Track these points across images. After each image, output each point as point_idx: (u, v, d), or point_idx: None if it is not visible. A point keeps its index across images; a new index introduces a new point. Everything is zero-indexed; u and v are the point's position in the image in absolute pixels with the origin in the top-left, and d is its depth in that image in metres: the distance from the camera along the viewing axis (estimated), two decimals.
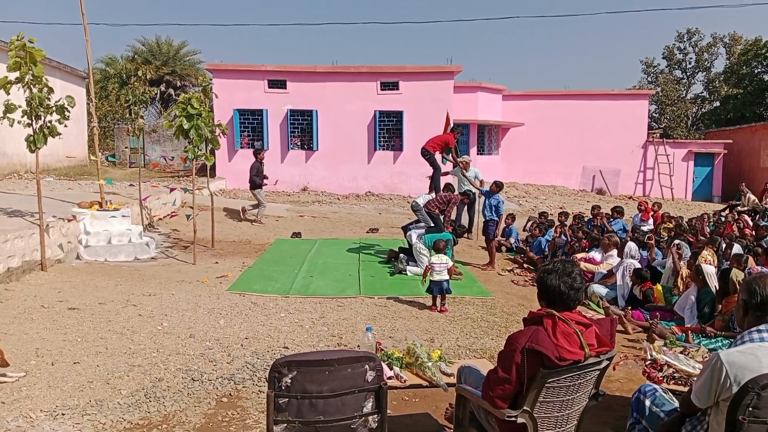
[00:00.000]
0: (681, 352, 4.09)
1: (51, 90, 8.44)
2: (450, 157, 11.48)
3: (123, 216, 10.05)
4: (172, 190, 12.75)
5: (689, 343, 5.01)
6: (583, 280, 3.03)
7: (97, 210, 9.87)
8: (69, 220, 9.26)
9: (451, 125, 12.87)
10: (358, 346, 4.53)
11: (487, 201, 10.41)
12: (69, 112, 8.73)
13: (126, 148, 23.39)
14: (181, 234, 11.86)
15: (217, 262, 9.66)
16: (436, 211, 9.54)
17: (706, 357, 4.03)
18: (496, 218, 10.36)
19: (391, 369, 3.72)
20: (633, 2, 65.71)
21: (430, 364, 3.77)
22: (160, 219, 12.69)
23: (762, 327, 2.50)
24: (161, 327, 6.10)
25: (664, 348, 4.17)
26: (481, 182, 14.00)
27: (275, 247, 11.15)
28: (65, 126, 8.72)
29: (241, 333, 6.00)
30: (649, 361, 4.01)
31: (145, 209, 11.57)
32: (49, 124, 8.48)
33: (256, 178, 13.87)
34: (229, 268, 9.08)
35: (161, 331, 5.99)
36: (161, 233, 11.85)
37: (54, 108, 8.48)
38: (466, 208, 14.16)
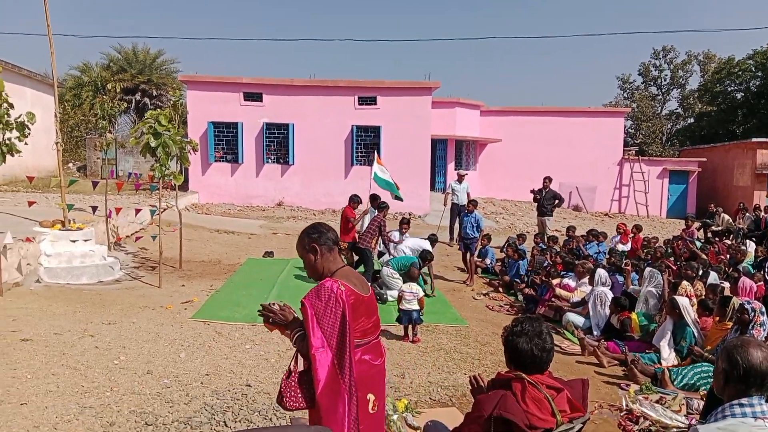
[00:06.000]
0: (657, 401, 3.92)
1: (11, 106, 8.11)
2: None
3: (85, 237, 9.66)
4: (138, 212, 12.46)
5: (666, 387, 4.83)
6: (553, 338, 2.86)
7: (59, 230, 9.48)
8: (29, 241, 8.88)
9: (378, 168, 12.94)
10: None
11: (466, 219, 10.61)
12: (29, 129, 8.41)
13: (98, 158, 22.84)
14: (149, 253, 11.51)
15: (183, 285, 9.34)
16: (373, 243, 9.68)
17: (683, 405, 3.87)
18: (477, 236, 10.69)
19: None
20: (609, 21, 66.64)
21: (395, 417, 3.57)
22: (127, 237, 12.32)
23: (744, 401, 2.32)
24: (118, 361, 5.79)
25: (639, 397, 3.99)
26: (468, 195, 14.26)
27: (245, 268, 10.85)
28: (26, 143, 8.39)
29: (202, 368, 5.72)
30: (624, 412, 3.83)
31: (111, 227, 11.20)
32: (8, 142, 8.15)
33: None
34: (195, 292, 8.77)
35: (117, 366, 5.68)
36: (128, 252, 11.48)
37: (13, 125, 8.15)
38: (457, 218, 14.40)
